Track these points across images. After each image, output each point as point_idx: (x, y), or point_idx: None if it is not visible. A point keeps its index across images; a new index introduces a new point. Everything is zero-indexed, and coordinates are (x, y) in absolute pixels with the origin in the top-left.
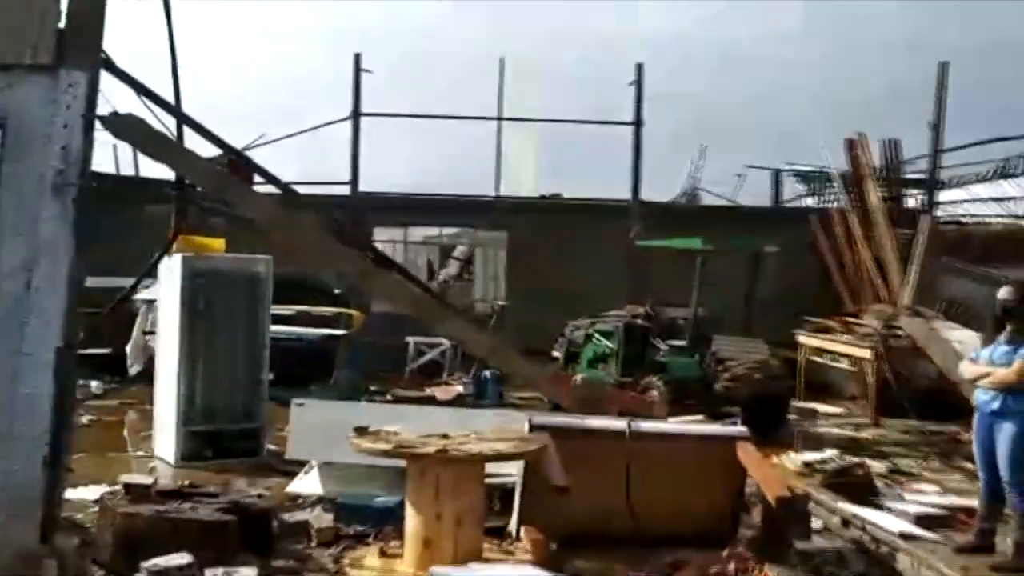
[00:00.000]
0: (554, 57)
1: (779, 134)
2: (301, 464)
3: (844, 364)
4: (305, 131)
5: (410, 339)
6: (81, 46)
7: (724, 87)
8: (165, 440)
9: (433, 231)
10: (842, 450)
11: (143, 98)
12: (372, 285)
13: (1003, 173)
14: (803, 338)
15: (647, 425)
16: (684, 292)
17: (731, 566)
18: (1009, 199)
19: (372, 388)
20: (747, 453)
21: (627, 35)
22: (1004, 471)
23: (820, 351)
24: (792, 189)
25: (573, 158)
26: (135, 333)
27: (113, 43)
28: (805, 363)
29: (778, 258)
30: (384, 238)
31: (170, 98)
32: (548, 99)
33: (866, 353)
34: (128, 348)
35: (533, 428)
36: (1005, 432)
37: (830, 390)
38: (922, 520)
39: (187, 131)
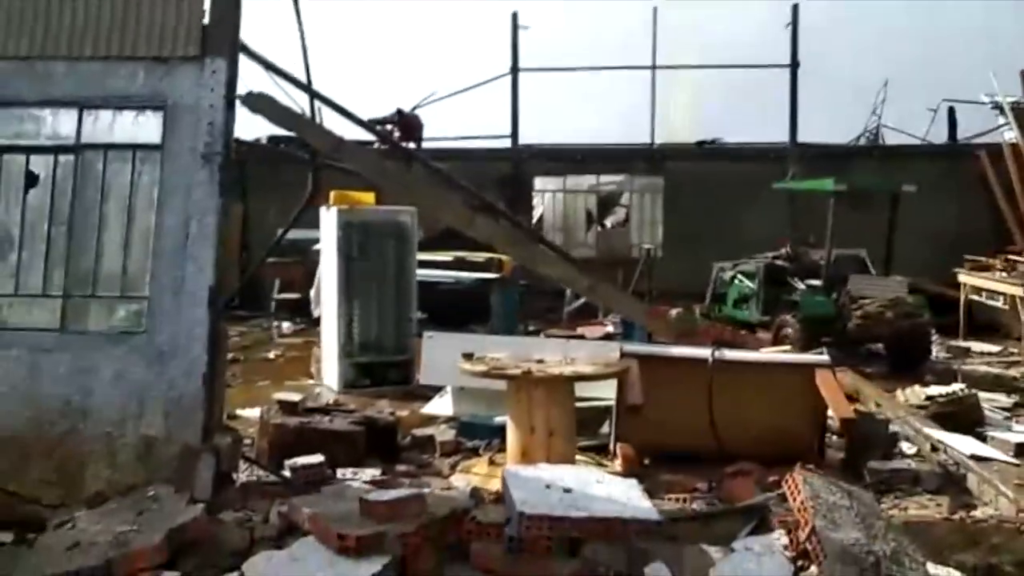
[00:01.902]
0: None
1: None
2: (439, 390)
3: (1000, 303)
4: (468, 88)
5: None
6: (221, 37)
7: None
8: (330, 370)
9: (592, 179)
10: (977, 386)
11: (274, 76)
12: (476, 230)
13: None
14: (963, 276)
15: (731, 354)
16: (850, 234)
17: (789, 478)
18: None
19: (530, 329)
20: (824, 380)
21: None
22: None
23: (980, 290)
24: (985, 123)
25: (740, 103)
26: (316, 280)
27: (254, 30)
28: (967, 302)
29: (945, 196)
30: (546, 187)
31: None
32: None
33: (1018, 291)
34: (311, 293)
35: (624, 355)
36: None
37: (997, 329)
38: (1022, 448)
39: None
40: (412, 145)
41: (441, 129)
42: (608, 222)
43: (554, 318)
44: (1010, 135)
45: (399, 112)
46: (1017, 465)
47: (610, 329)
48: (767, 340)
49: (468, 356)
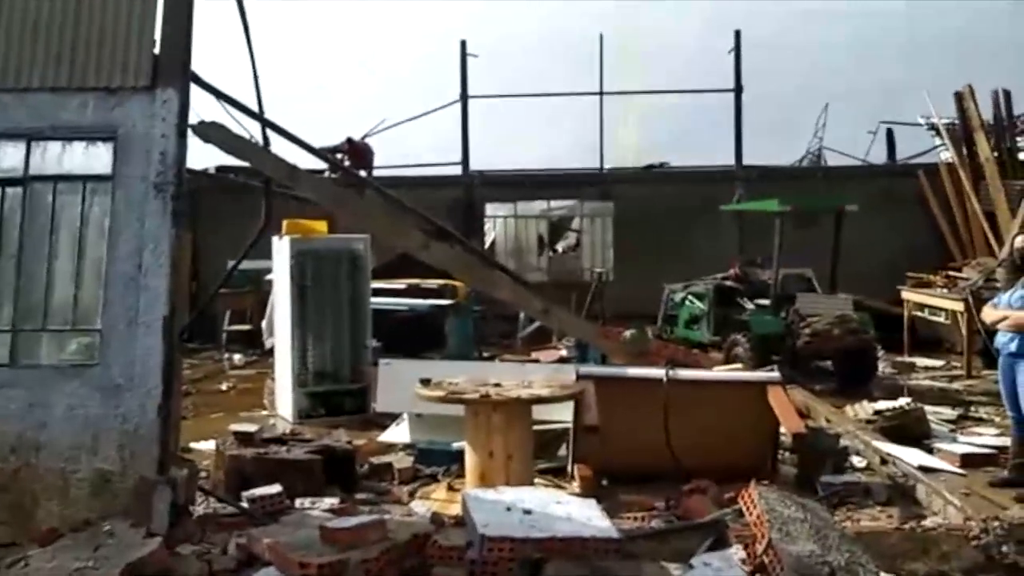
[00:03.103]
0: (661, 28)
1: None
2: (396, 417)
3: (942, 318)
4: (418, 116)
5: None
6: (172, 67)
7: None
8: (284, 400)
9: (542, 204)
10: (922, 400)
11: (226, 105)
12: (431, 256)
13: None
14: (906, 293)
15: (685, 373)
16: (796, 254)
17: (745, 494)
18: None
19: (485, 355)
20: (776, 396)
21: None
22: None
23: (922, 306)
24: (923, 143)
25: (688, 126)
26: (268, 310)
27: (203, 58)
28: (911, 318)
29: (887, 215)
30: (497, 213)
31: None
32: (658, 71)
33: (958, 306)
34: (264, 324)
35: (580, 377)
36: (1023, 371)
37: (941, 344)
38: (968, 458)
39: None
40: (363, 173)
41: (392, 157)
42: (560, 246)
43: (509, 343)
44: (946, 155)
45: (349, 140)
46: (963, 475)
47: (565, 353)
48: (719, 359)
49: (425, 382)
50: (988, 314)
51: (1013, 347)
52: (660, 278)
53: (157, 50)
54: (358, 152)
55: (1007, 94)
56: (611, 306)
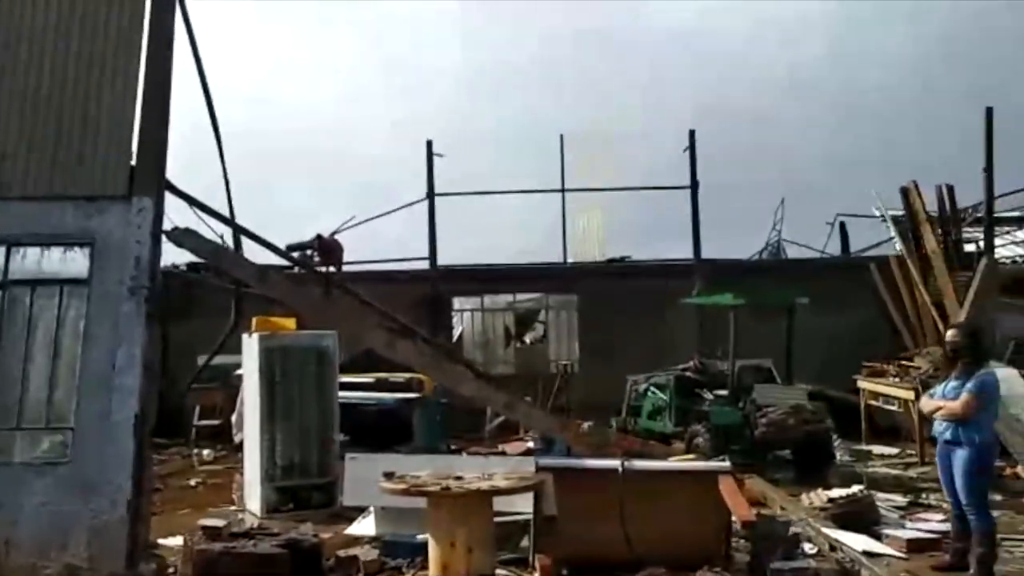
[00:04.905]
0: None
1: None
2: (364, 511)
3: (895, 406)
4: (386, 213)
5: None
6: (148, 177)
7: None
8: (252, 495)
9: (509, 298)
10: (877, 487)
11: (198, 211)
12: (396, 353)
13: None
14: (861, 382)
15: (640, 464)
16: (756, 345)
17: None
18: None
19: (452, 447)
20: (726, 485)
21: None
22: (962, 494)
23: (876, 395)
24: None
25: (651, 220)
26: (237, 405)
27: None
28: (867, 406)
29: (842, 305)
30: (464, 307)
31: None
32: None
33: (910, 395)
34: (233, 419)
35: (539, 469)
36: (959, 459)
37: (899, 432)
38: (913, 543)
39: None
40: (332, 269)
41: (362, 252)
42: (527, 338)
43: (476, 436)
44: (899, 247)
45: (319, 237)
46: (906, 559)
47: (531, 445)
48: (681, 450)
49: (389, 475)
50: (925, 404)
51: (948, 435)
52: (624, 369)
53: (134, 161)
54: (327, 248)
55: (950, 189)
56: (577, 397)
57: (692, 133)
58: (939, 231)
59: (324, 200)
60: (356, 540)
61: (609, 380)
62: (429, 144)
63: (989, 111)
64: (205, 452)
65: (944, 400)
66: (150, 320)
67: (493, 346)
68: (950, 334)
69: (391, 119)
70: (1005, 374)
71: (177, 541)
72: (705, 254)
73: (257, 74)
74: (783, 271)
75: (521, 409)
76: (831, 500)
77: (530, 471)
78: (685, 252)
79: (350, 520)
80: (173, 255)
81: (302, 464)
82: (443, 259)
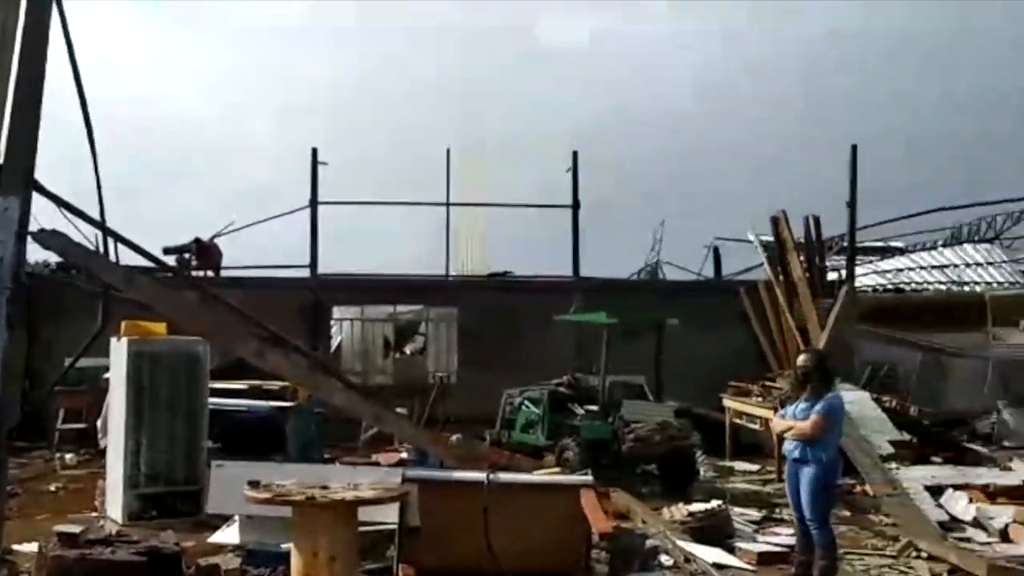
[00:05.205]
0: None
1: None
2: (229, 519)
3: (757, 425)
4: (268, 219)
5: None
6: (15, 177)
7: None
8: (114, 502)
9: (389, 309)
10: (736, 502)
11: (66, 213)
12: (265, 362)
13: (947, 242)
14: (727, 401)
15: (505, 476)
16: (630, 363)
17: None
18: (949, 266)
19: (326, 457)
20: (588, 498)
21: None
22: (807, 509)
23: (740, 414)
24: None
25: (533, 236)
26: (104, 409)
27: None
28: (732, 424)
29: (714, 326)
30: (344, 316)
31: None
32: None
33: (769, 414)
34: (99, 423)
35: (406, 480)
36: (805, 476)
37: (761, 449)
38: (763, 556)
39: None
40: (210, 273)
41: (241, 258)
42: (407, 350)
43: (351, 445)
44: (768, 272)
45: (197, 241)
46: (754, 571)
47: (405, 455)
48: (551, 463)
49: (254, 484)
50: (776, 424)
51: (797, 454)
52: (502, 383)
53: (1, 159)
54: (206, 252)
55: (816, 219)
56: (455, 409)
57: (575, 154)
58: (805, 259)
59: (209, 204)
60: (219, 548)
61: (487, 393)
62: (314, 151)
63: (854, 148)
64: (68, 456)
65: (794, 420)
66: (12, 321)
67: (372, 356)
68: (801, 359)
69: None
70: (857, 397)
71: (33, 547)
72: (589, 271)
73: (139, 74)
74: (658, 291)
75: (390, 421)
76: (690, 514)
77: (397, 482)
78: (568, 269)
79: (215, 528)
80: (46, 255)
81: (168, 471)
82: (326, 268)
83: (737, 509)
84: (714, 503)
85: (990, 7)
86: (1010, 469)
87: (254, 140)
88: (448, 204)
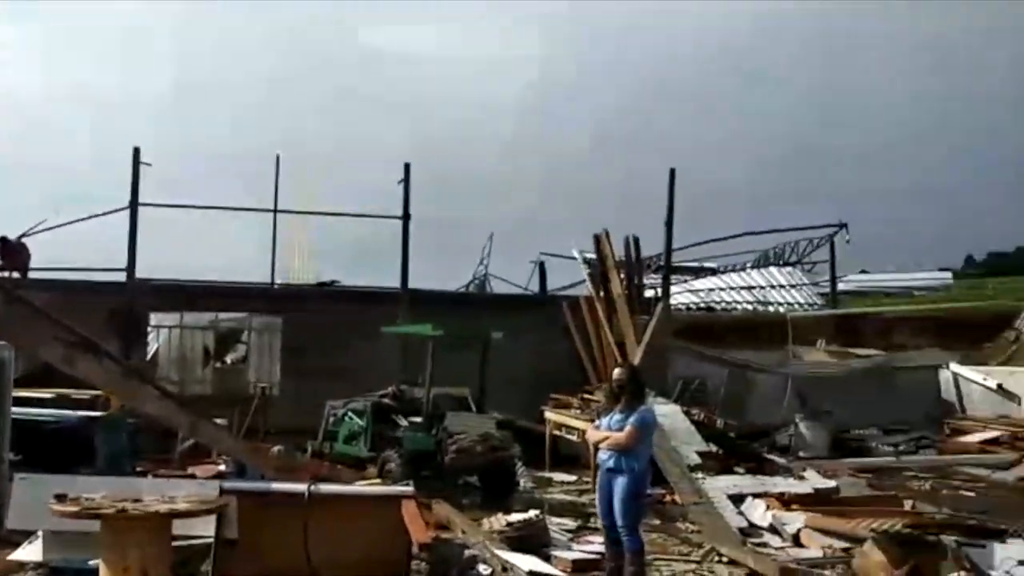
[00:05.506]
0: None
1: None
2: (32, 535)
3: (575, 437)
4: (83, 219)
5: None
6: None
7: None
8: None
9: (211, 316)
10: (554, 512)
11: None
12: (75, 369)
13: (755, 264)
14: (548, 413)
15: (326, 488)
16: (456, 375)
17: None
18: (755, 287)
19: (139, 469)
20: (408, 509)
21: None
22: (619, 517)
23: (560, 425)
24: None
25: (363, 245)
26: None
27: None
28: (552, 436)
29: (537, 340)
30: (162, 323)
31: None
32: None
33: (587, 426)
34: None
35: (223, 492)
36: (619, 485)
37: (579, 460)
38: (578, 563)
39: None
40: (16, 274)
41: (54, 260)
42: (229, 359)
43: (167, 457)
44: (590, 288)
45: (3, 240)
46: None
47: (223, 468)
48: (373, 474)
49: (60, 497)
50: (592, 435)
51: (611, 463)
52: (326, 394)
53: None
54: (11, 252)
55: (636, 239)
56: (277, 420)
57: (407, 166)
58: (624, 277)
59: (21, 203)
60: (20, 567)
61: (310, 404)
62: (136, 151)
63: (672, 172)
64: None
65: (610, 431)
66: None
67: (191, 365)
68: (615, 373)
69: (106, 127)
70: (670, 410)
71: None
72: (419, 284)
73: None
74: (484, 305)
75: (208, 432)
76: (509, 524)
77: (214, 494)
78: (397, 279)
79: (16, 545)
80: None
81: None
82: (145, 272)
83: (554, 519)
84: (532, 513)
85: None
86: (803, 478)
87: (79, 142)
88: (275, 211)
